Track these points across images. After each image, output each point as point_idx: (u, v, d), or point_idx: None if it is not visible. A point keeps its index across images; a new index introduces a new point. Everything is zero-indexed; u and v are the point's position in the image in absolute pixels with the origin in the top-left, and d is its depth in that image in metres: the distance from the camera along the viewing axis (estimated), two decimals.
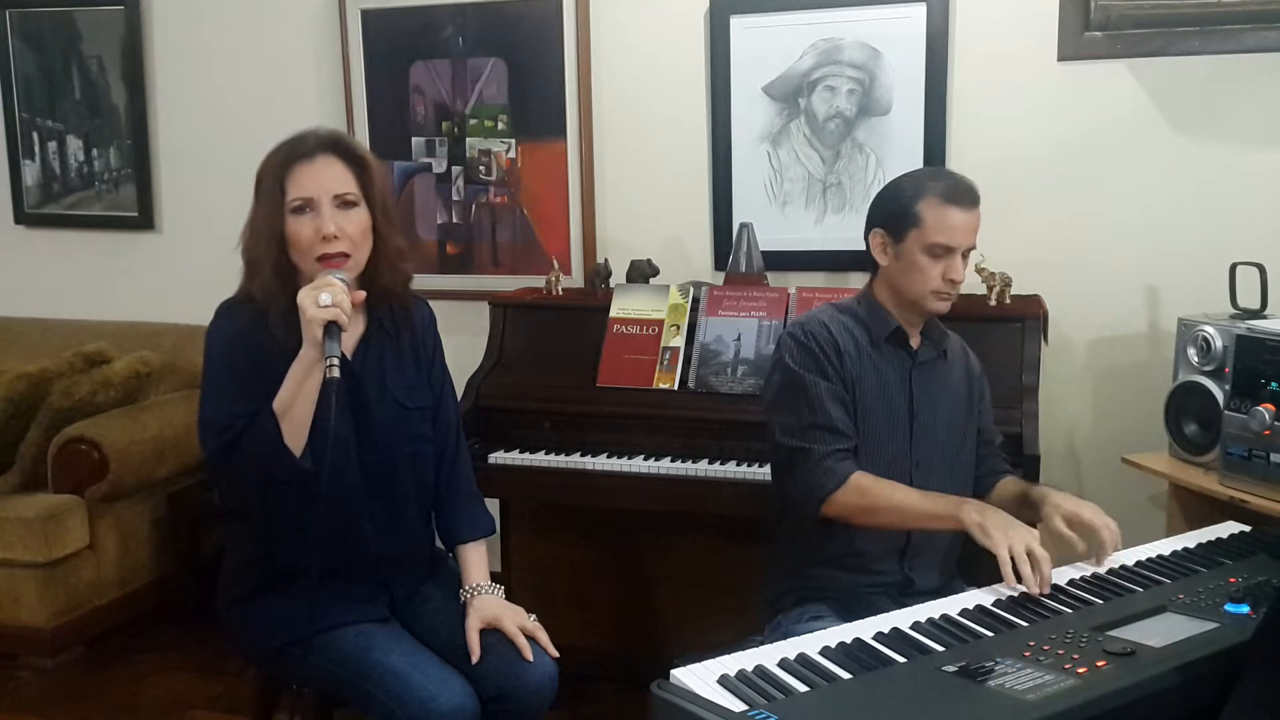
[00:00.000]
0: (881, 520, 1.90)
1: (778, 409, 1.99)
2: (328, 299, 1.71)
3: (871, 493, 1.88)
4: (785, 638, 1.54)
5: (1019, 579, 1.65)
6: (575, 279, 3.25)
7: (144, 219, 3.76)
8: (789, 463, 1.96)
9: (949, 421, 2.04)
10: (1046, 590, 1.64)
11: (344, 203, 1.83)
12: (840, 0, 2.96)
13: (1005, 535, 1.70)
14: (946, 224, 1.90)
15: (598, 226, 3.28)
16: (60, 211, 3.86)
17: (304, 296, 1.72)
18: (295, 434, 1.77)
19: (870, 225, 2.01)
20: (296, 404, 1.75)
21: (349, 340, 1.89)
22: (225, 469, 1.81)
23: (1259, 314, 2.50)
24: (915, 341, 2.03)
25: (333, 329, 1.71)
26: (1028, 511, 1.96)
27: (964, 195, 1.92)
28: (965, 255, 1.94)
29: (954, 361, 2.09)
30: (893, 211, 1.95)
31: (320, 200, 1.81)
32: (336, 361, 1.69)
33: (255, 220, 1.86)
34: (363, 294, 1.85)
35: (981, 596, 1.64)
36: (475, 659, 1.85)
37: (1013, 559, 1.67)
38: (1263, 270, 2.52)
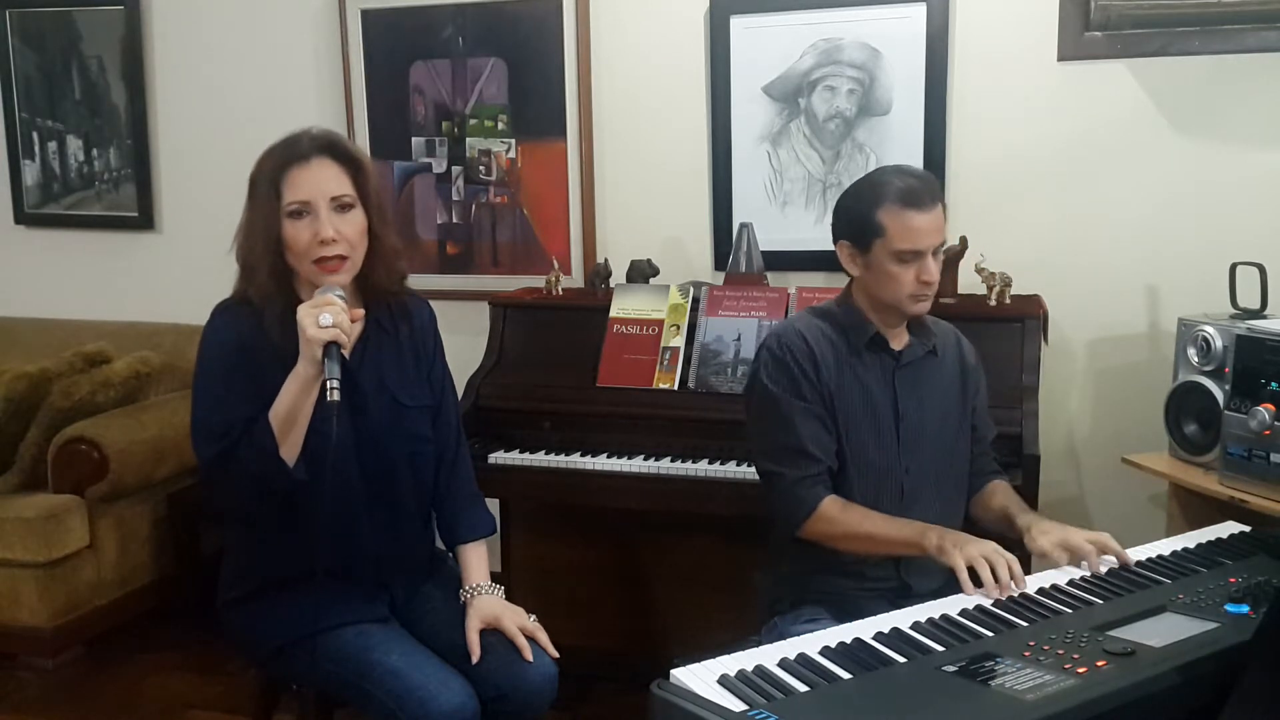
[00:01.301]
0: (853, 547, 1.90)
1: (754, 427, 2.01)
2: (328, 319, 1.69)
3: (839, 522, 1.88)
4: (782, 638, 1.54)
5: (978, 586, 1.66)
6: (575, 279, 3.25)
7: (144, 219, 3.76)
8: (766, 485, 1.97)
9: (940, 419, 2.01)
10: (1020, 588, 1.65)
11: (341, 205, 1.82)
12: (840, 0, 2.96)
13: (961, 551, 1.71)
14: (909, 228, 1.86)
15: (598, 226, 3.28)
16: (60, 211, 3.86)
17: (304, 315, 1.71)
18: (290, 446, 1.76)
19: (835, 236, 1.98)
20: (292, 418, 1.75)
21: None
22: (220, 476, 1.80)
23: (1259, 314, 2.50)
24: (899, 343, 2.00)
25: (332, 349, 1.70)
26: (1012, 533, 1.95)
27: (922, 196, 1.87)
28: (936, 253, 1.91)
29: (945, 356, 2.05)
30: (854, 222, 1.92)
31: (317, 204, 1.80)
32: (337, 384, 1.68)
33: (251, 223, 1.85)
34: (361, 312, 1.84)
35: (981, 597, 1.64)
36: (475, 659, 1.85)
37: (971, 569, 1.68)
38: (1263, 270, 2.52)
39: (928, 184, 1.91)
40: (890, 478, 1.96)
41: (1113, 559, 1.77)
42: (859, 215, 1.91)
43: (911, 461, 1.98)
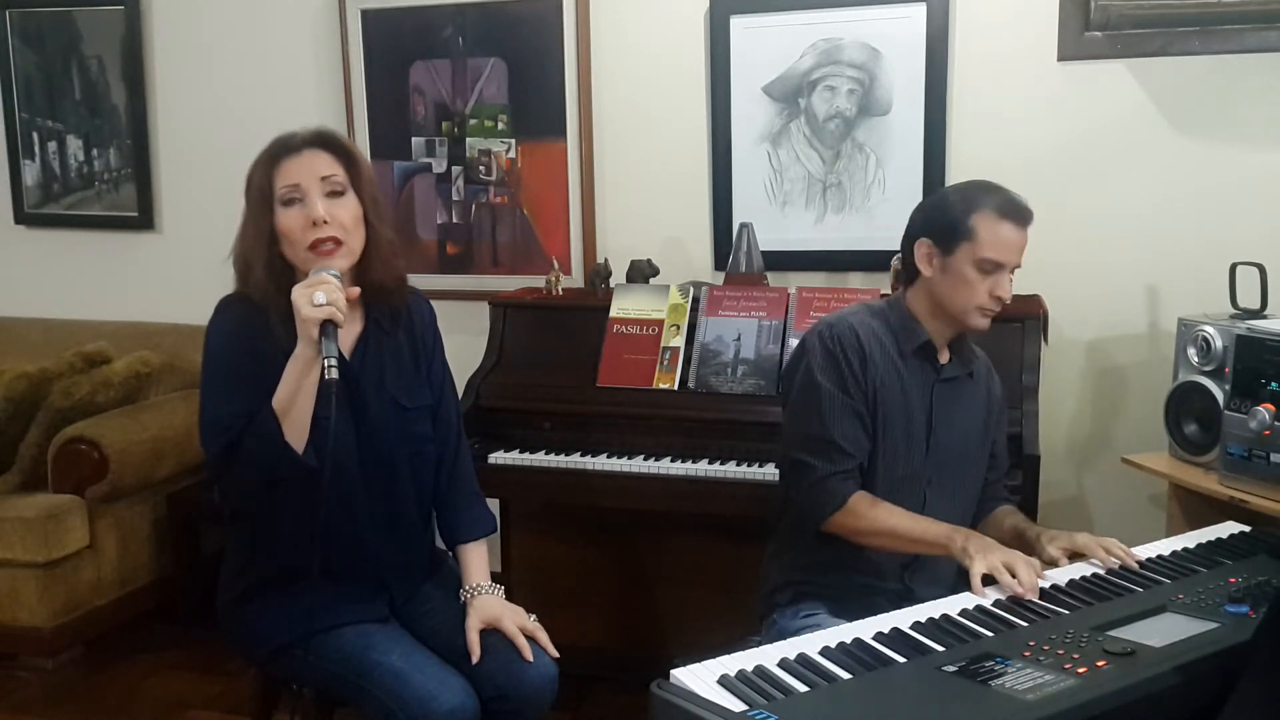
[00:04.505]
0: (877, 543, 1.89)
1: (793, 414, 1.98)
2: (322, 298, 1.69)
3: (867, 517, 1.87)
4: (781, 635, 1.54)
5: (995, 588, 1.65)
6: (575, 279, 3.25)
7: (144, 219, 3.76)
8: (794, 473, 1.95)
9: (964, 441, 2.01)
10: (1033, 595, 1.63)
11: (333, 190, 1.82)
12: (840, 0, 2.96)
13: (984, 556, 1.70)
14: (1000, 239, 1.86)
15: (598, 226, 3.28)
16: (60, 211, 3.86)
17: (298, 295, 1.71)
18: (297, 432, 1.76)
19: (914, 234, 1.96)
20: (296, 402, 1.74)
21: (346, 339, 1.88)
22: (227, 469, 1.80)
23: (1259, 314, 2.50)
24: (943, 357, 2.00)
25: (329, 328, 1.70)
26: (1021, 546, 1.94)
27: (1020, 212, 1.89)
28: (1011, 273, 1.91)
29: (978, 382, 2.06)
30: (943, 222, 1.90)
31: (308, 188, 1.80)
32: (335, 362, 1.68)
33: (246, 222, 1.86)
34: (356, 290, 1.84)
35: (988, 597, 1.64)
36: (475, 659, 1.85)
37: (990, 573, 1.66)
38: (1263, 270, 2.52)
39: (1025, 205, 1.91)
40: (915, 486, 1.96)
41: (1116, 562, 1.76)
42: (951, 215, 1.90)
43: (935, 474, 1.98)
